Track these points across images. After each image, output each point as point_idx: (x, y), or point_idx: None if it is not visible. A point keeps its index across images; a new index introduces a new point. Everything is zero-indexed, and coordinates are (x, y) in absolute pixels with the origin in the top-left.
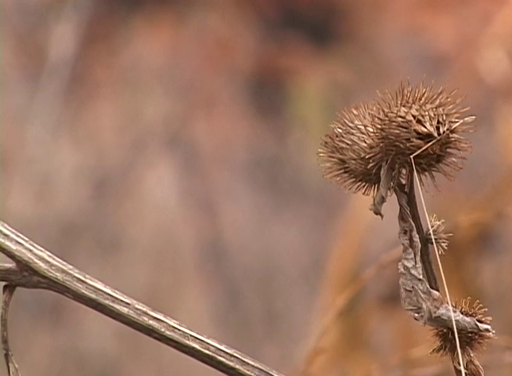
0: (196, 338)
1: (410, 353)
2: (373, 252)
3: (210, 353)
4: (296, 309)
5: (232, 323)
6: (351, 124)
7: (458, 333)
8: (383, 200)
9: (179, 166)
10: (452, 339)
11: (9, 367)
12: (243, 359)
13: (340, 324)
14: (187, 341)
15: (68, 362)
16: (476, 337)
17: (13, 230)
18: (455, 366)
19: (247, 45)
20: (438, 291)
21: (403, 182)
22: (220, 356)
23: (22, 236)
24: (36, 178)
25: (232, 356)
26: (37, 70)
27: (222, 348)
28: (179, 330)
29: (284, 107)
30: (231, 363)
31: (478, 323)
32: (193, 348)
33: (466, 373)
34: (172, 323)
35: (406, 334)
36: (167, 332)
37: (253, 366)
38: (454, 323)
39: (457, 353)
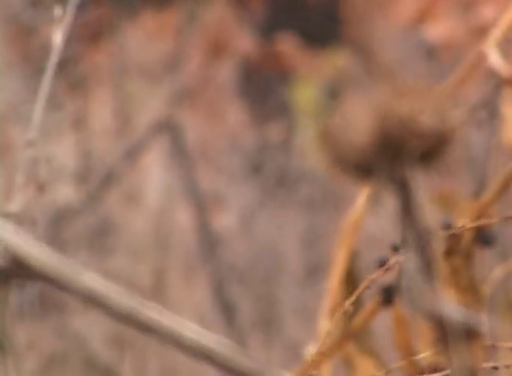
0: (196, 334)
1: (410, 352)
2: (373, 251)
3: (210, 350)
4: (296, 308)
5: (228, 319)
6: (349, 120)
7: (457, 330)
8: (381, 197)
9: (172, 157)
10: (451, 337)
11: (5, 364)
12: (244, 356)
13: (341, 323)
14: (186, 338)
15: (64, 358)
16: (476, 335)
17: (9, 223)
18: (454, 364)
19: (246, 42)
20: (437, 288)
21: (402, 179)
22: (220, 353)
23: (18, 229)
24: (27, 168)
25: (232, 353)
26: (34, 63)
27: (222, 345)
28: (179, 327)
29: (283, 104)
30: (231, 360)
31: (478, 321)
32: (193, 344)
33: (465, 370)
34: (172, 320)
35: (406, 332)
36: (167, 329)
37: (253, 363)
38: (453, 320)
39: (457, 352)
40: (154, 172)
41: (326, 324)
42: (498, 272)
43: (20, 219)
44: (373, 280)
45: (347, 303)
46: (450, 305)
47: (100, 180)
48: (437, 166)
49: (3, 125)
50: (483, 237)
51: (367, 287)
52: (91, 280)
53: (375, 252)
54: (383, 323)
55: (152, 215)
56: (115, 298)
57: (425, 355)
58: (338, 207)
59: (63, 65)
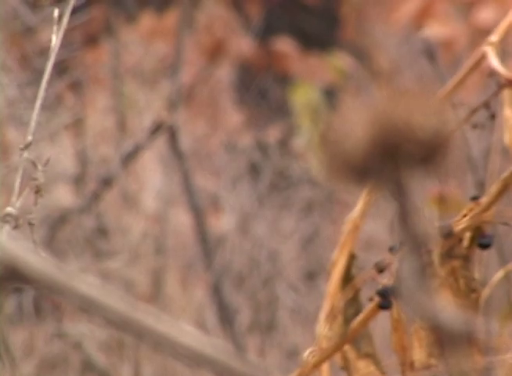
0: (193, 340)
1: (408, 355)
2: (371, 254)
3: (207, 356)
4: (294, 311)
5: (226, 322)
6: (347, 123)
7: (455, 334)
8: (380, 201)
9: (170, 159)
10: (448, 340)
11: (5, 365)
12: (242, 361)
13: (339, 326)
14: (183, 344)
15: (61, 362)
16: (474, 338)
17: (5, 226)
18: (451, 368)
19: (244, 44)
20: (434, 291)
21: (400, 182)
22: (217, 358)
23: (14, 233)
24: (25, 170)
25: (229, 358)
26: (32, 64)
27: (219, 350)
28: (176, 333)
29: (281, 107)
30: (228, 366)
31: (476, 325)
32: (190, 350)
33: (461, 373)
34: (169, 325)
35: (404, 336)
36: (164, 335)
37: (251, 368)
38: (451, 324)
39: (453, 355)
40: (152, 174)
41: (324, 328)
42: (498, 274)
43: (18, 222)
44: (367, 279)
45: (343, 302)
46: (447, 308)
47: (98, 183)
48: (435, 169)
49: (1, 127)
50: (482, 239)
51: (361, 286)
52: (86, 285)
53: (373, 255)
54: (381, 326)
55: (150, 218)
56: (111, 304)
57: (421, 357)
58: (337, 210)
59: (61, 67)
